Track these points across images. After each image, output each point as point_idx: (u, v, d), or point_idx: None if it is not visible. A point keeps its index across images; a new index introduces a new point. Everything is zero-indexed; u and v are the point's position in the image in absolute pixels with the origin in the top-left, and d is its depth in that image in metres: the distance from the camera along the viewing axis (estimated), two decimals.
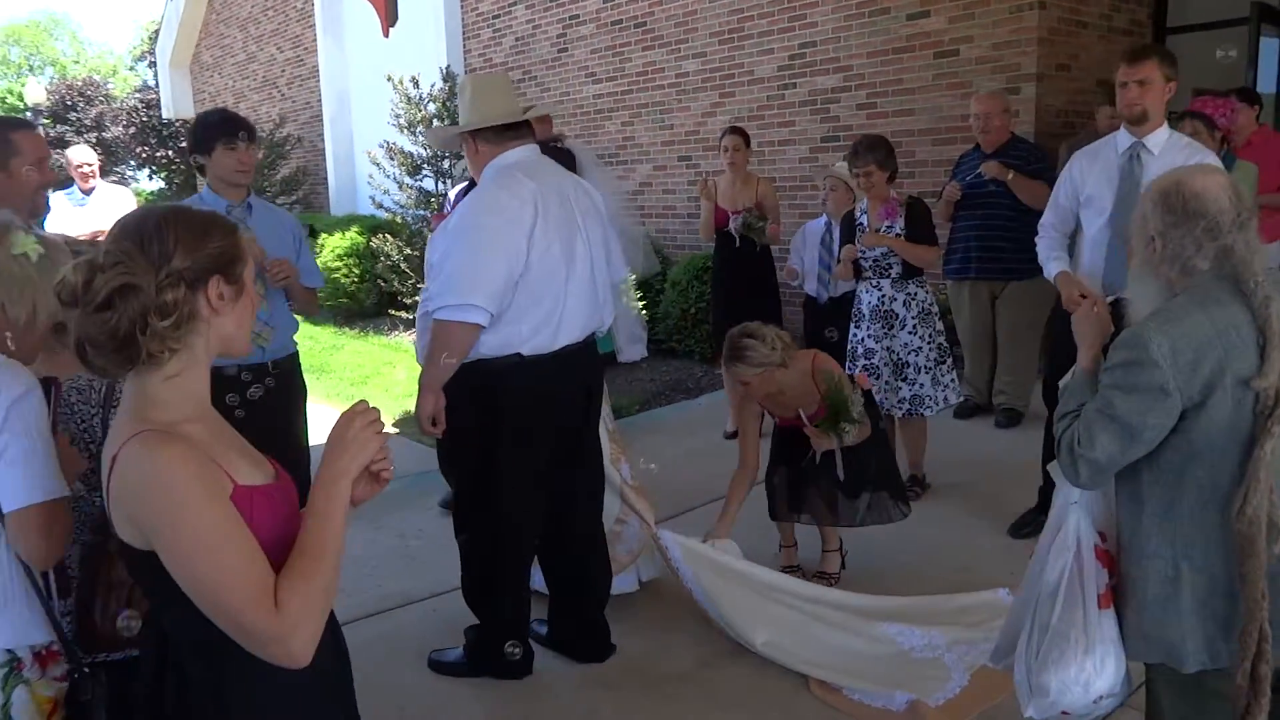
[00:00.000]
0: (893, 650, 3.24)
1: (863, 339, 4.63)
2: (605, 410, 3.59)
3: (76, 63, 40.47)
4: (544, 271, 2.94)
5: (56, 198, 6.78)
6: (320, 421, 2.83)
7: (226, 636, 1.34)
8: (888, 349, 4.56)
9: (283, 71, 14.81)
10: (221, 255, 1.42)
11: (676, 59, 8.50)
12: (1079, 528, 2.05)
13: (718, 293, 5.84)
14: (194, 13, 16.76)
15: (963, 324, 5.69)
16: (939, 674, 3.08)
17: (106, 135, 25.28)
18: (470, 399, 3.00)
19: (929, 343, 4.53)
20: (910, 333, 4.52)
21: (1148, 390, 1.81)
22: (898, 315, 4.54)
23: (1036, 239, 3.92)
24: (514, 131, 3.07)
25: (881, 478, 3.78)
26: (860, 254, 4.55)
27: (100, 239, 5.84)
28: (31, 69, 42.28)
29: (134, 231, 1.38)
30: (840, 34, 7.20)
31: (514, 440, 3.03)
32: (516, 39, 10.20)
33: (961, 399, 4.81)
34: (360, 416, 1.44)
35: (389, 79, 10.25)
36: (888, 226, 4.51)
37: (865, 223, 4.61)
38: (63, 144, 25.10)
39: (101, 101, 23.25)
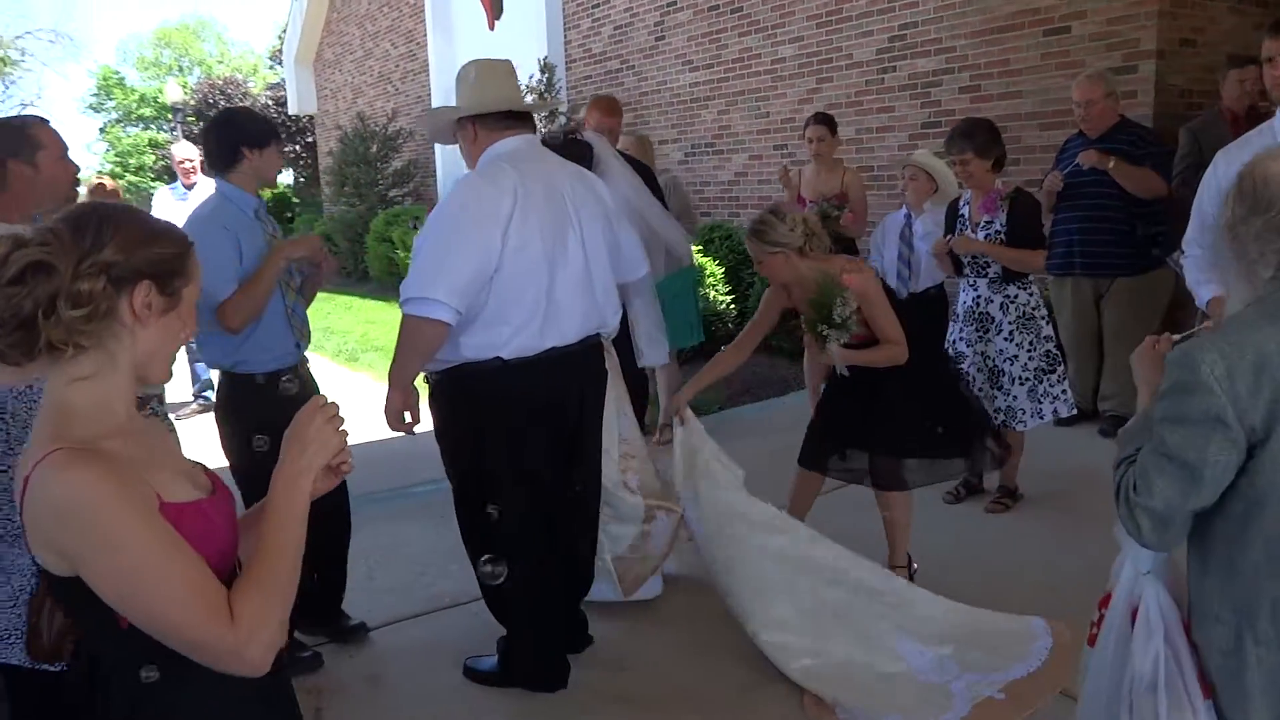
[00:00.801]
0: (900, 669, 3.02)
1: (955, 340, 4.32)
2: (620, 421, 3.43)
3: (220, 63, 42.66)
4: (521, 269, 2.79)
5: (160, 192, 7.07)
6: None
7: (167, 656, 1.29)
8: (981, 354, 4.24)
9: (396, 66, 15.15)
10: (162, 263, 1.35)
11: (773, 44, 8.22)
12: (1160, 604, 1.71)
13: None
14: (317, 11, 17.33)
15: (1065, 323, 5.26)
16: (940, 701, 2.87)
17: None
18: (456, 404, 2.93)
19: (1029, 351, 4.15)
20: (1006, 339, 4.16)
21: (1201, 420, 1.53)
22: (993, 319, 4.19)
23: (1182, 258, 3.23)
24: (513, 120, 2.96)
25: (937, 431, 3.43)
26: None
27: None
28: (181, 69, 44.81)
29: (73, 218, 1.33)
30: (942, 14, 6.79)
31: (502, 445, 2.92)
32: (615, 28, 10.09)
33: (1073, 412, 4.39)
34: (321, 412, 1.37)
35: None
36: (986, 222, 4.14)
37: (967, 215, 4.26)
38: (196, 139, 26.61)
39: (240, 99, 24.46)
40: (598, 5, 10.31)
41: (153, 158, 35.13)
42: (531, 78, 9.93)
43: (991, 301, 4.19)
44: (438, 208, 2.89)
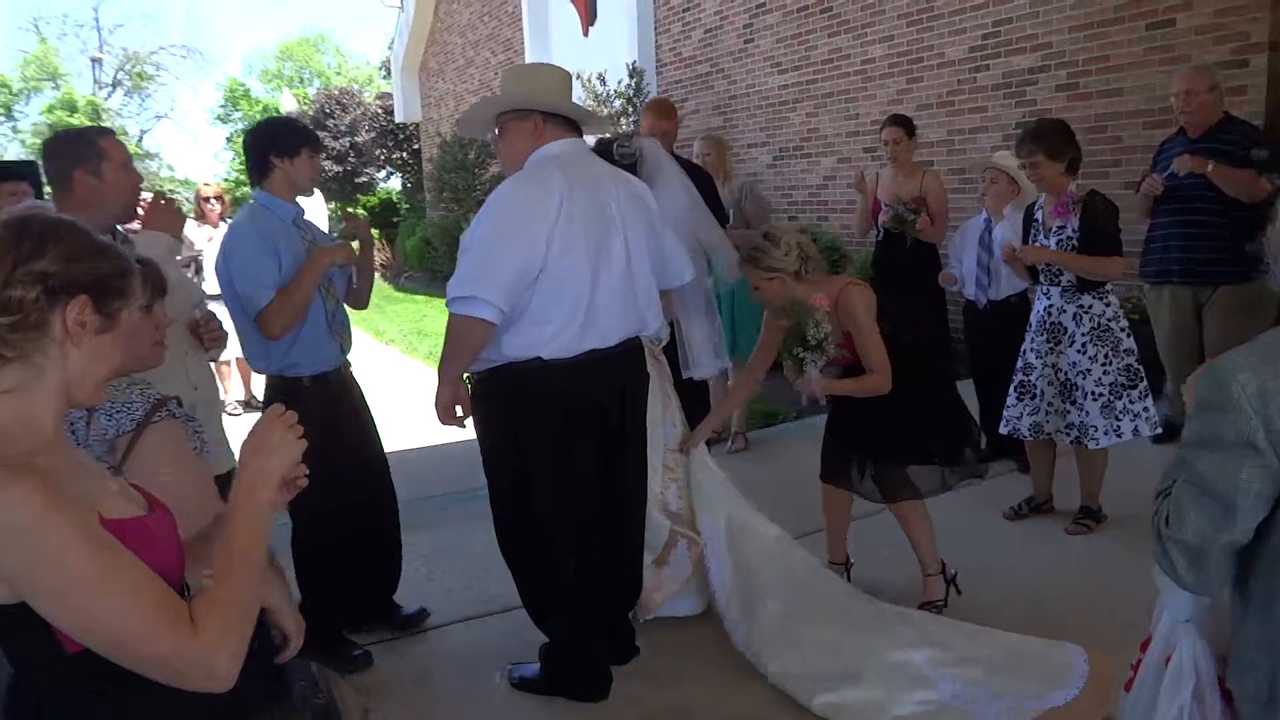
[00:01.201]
0: (925, 696, 2.87)
1: (1025, 351, 4.12)
2: (666, 430, 3.38)
3: (338, 74, 44.25)
4: (566, 270, 2.79)
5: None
6: None
7: (115, 683, 1.26)
8: (1053, 367, 4.02)
9: (496, 74, 15.40)
10: (101, 279, 1.31)
11: (862, 44, 8.03)
12: (1195, 655, 1.60)
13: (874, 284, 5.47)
14: (422, 22, 17.80)
15: (1161, 334, 4.95)
16: None
17: (358, 140, 27.68)
18: (496, 403, 2.93)
19: (1105, 365, 3.90)
20: (1080, 351, 3.93)
21: (1232, 444, 1.39)
22: (1065, 330, 3.97)
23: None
24: (568, 125, 2.98)
25: (931, 445, 3.37)
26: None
27: None
28: (301, 81, 46.70)
29: (15, 223, 1.29)
30: (1039, 8, 6.50)
31: (543, 446, 2.91)
32: (705, 31, 10.03)
33: (1157, 430, 4.10)
34: (280, 420, 1.36)
35: (577, 77, 10.40)
36: (1059, 228, 3.93)
37: (1041, 220, 4.05)
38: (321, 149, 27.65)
39: (354, 109, 25.31)
40: (688, 9, 10.27)
41: None
42: (620, 82, 9.95)
43: (1064, 311, 3.98)
44: (484, 208, 2.89)
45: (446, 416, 2.99)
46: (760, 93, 9.33)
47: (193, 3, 68.55)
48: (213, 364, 7.56)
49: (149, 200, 2.91)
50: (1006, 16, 6.75)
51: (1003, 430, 4.19)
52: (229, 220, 7.14)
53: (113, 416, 1.86)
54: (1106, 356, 3.90)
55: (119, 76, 44.06)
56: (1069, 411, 3.96)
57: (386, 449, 3.62)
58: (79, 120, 39.00)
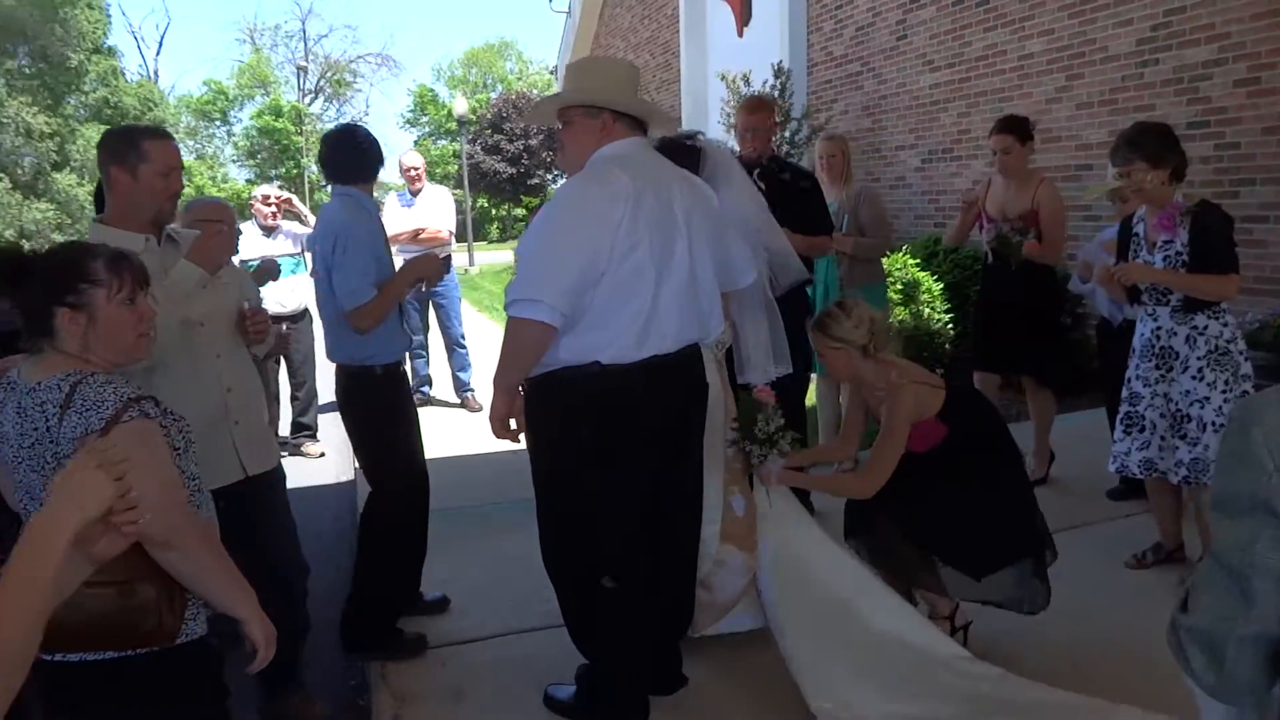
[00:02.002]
0: None
1: (1130, 379, 3.65)
2: (723, 434, 3.16)
3: (519, 79, 45.84)
4: (629, 273, 2.65)
5: (389, 198, 7.54)
6: None
7: None
8: (1164, 396, 3.54)
9: (653, 77, 15.42)
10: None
11: (1020, 39, 7.46)
12: None
13: (974, 316, 4.98)
14: (587, 26, 18.06)
15: None
16: None
17: (531, 142, 28.54)
18: (552, 410, 2.78)
19: (1224, 392, 3.40)
20: (1194, 378, 3.45)
21: (1247, 506, 1.09)
22: (1177, 355, 3.49)
23: None
24: (635, 124, 2.85)
25: (951, 544, 3.06)
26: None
27: (422, 235, 6.25)
28: (484, 86, 48.64)
29: None
30: None
31: (597, 456, 2.75)
32: (857, 29, 9.63)
33: None
34: (88, 457, 1.26)
35: (721, 77, 10.21)
36: (1165, 242, 3.47)
37: (1142, 234, 3.59)
38: (494, 150, 28.74)
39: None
40: (840, 6, 9.89)
41: (455, 167, 38.23)
42: (765, 83, 9.68)
43: (1175, 334, 3.49)
44: (545, 210, 2.80)
45: (501, 429, 2.85)
46: (911, 92, 8.86)
47: (390, 14, 72.61)
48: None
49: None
50: (1179, 5, 6.07)
51: (1111, 468, 3.71)
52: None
53: (83, 414, 1.83)
54: (1226, 383, 3.39)
55: (320, 84, 47.16)
56: (1178, 447, 3.47)
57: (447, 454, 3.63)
58: (284, 124, 42.09)
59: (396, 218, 7.18)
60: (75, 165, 31.84)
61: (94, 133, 33.60)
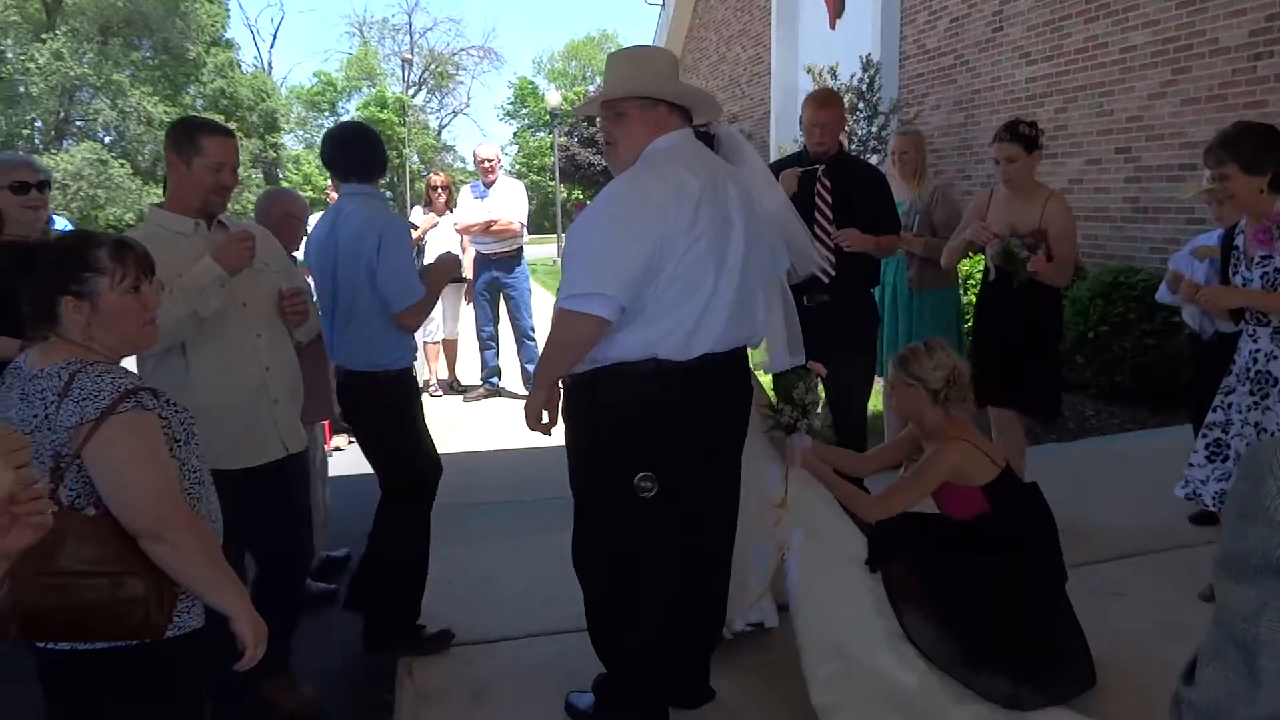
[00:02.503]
0: None
1: (1222, 404, 3.34)
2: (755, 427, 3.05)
3: None
4: (688, 267, 2.56)
5: (463, 191, 7.58)
6: None
7: None
8: (1255, 426, 3.20)
9: (745, 70, 15.21)
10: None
11: (1123, 30, 7.05)
12: None
13: (972, 341, 4.64)
14: (681, 20, 17.93)
15: None
16: None
17: None
18: (598, 408, 2.67)
19: None
20: None
21: (1258, 570, 0.93)
22: (1275, 380, 3.17)
23: None
24: (683, 113, 2.76)
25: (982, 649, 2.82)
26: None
27: (496, 226, 6.27)
28: (583, 79, 48.96)
29: None
30: None
31: (643, 454, 2.64)
32: (951, 20, 9.27)
33: None
34: None
35: (808, 70, 9.97)
36: (1263, 258, 3.15)
37: (1242, 247, 3.28)
38: (590, 143, 28.88)
39: None
40: None
41: (551, 159, 38.65)
42: (854, 77, 9.41)
43: (1275, 358, 3.16)
44: (598, 205, 2.69)
45: (536, 422, 2.78)
46: (1006, 86, 8.48)
47: (492, 8, 73.67)
48: (420, 345, 7.90)
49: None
50: None
51: (1180, 492, 3.42)
52: (452, 209, 7.51)
53: (80, 403, 1.83)
54: None
55: (424, 76, 48.17)
56: None
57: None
58: (388, 115, 43.13)
59: (469, 209, 7.22)
60: None
61: None
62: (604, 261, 2.53)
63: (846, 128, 9.46)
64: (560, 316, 2.58)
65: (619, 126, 2.74)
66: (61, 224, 4.78)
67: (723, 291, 2.63)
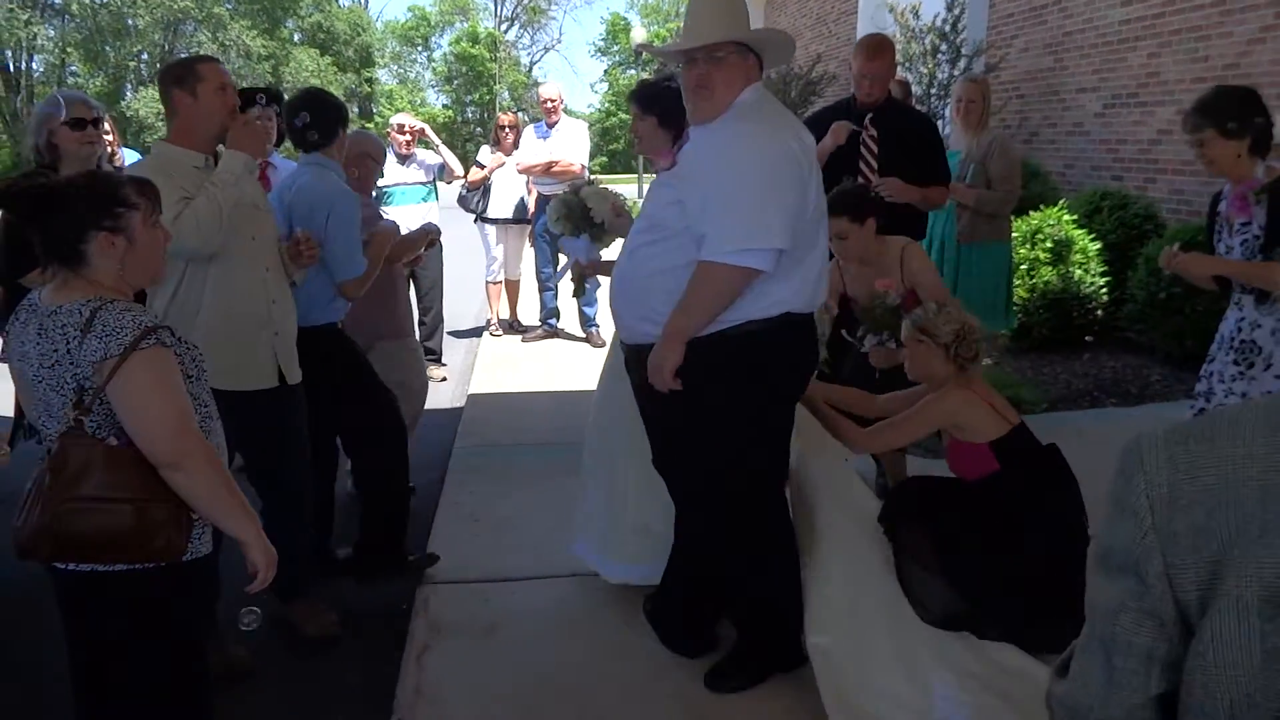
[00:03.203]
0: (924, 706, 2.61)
1: (1208, 374, 3.29)
2: None
3: None
4: (813, 218, 2.62)
5: (525, 131, 7.57)
6: None
7: None
8: (1241, 395, 3.12)
9: (832, 8, 14.73)
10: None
11: None
12: None
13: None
14: None
15: None
16: None
17: None
18: (738, 364, 2.59)
19: None
20: (1278, 377, 3.03)
21: (1120, 566, 0.91)
22: (1260, 349, 3.08)
23: None
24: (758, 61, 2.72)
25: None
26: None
27: (557, 168, 6.25)
28: (678, 15, 48.05)
29: None
30: None
31: (772, 409, 2.70)
32: None
33: None
34: None
35: (890, 9, 9.60)
36: (1243, 225, 3.06)
37: (1224, 213, 3.19)
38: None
39: None
40: None
41: None
42: (937, 17, 9.02)
43: (1259, 326, 3.08)
44: (731, 155, 2.52)
45: (669, 378, 2.56)
46: (1098, 29, 8.02)
47: None
48: (487, 285, 7.95)
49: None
50: None
51: None
52: (517, 148, 7.51)
53: (104, 339, 1.93)
54: None
55: (517, 11, 47.98)
56: None
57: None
58: (479, 51, 43.20)
59: (531, 149, 7.22)
60: (287, 87, 33.93)
61: (306, 57, 35.73)
62: (764, 214, 2.46)
63: (926, 70, 9.12)
64: (713, 271, 2.47)
65: (719, 71, 2.56)
66: (133, 158, 4.93)
67: (822, 243, 2.71)
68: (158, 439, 1.92)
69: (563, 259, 4.25)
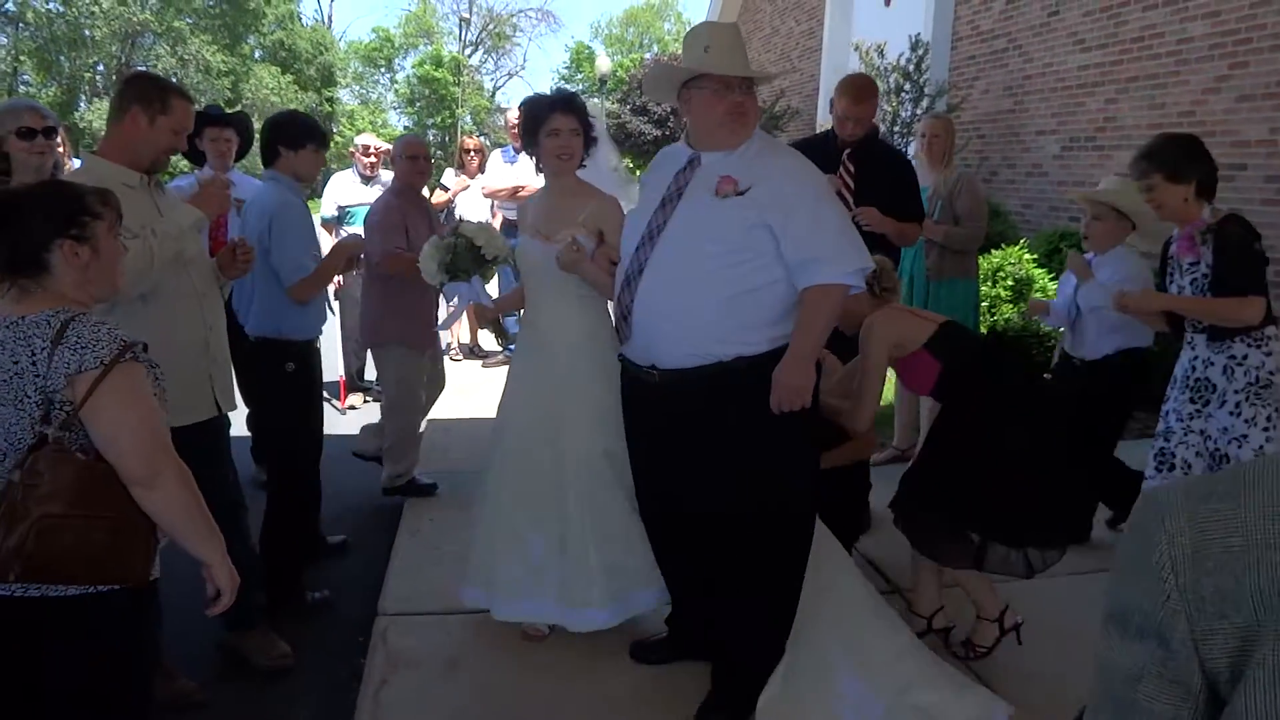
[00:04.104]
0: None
1: (1166, 413, 3.37)
2: None
3: (676, 40, 45.42)
4: None
5: (493, 155, 7.53)
6: None
7: None
8: (1199, 433, 3.22)
9: (796, 44, 14.94)
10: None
11: (1181, 20, 6.77)
12: None
13: None
14: None
15: None
16: None
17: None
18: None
19: (1265, 430, 3.07)
20: (1233, 413, 3.13)
21: (1140, 630, 0.87)
22: (1214, 387, 3.18)
23: None
24: None
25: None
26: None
27: (523, 192, 6.24)
28: (640, 46, 48.53)
29: None
30: None
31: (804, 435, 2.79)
32: (1008, 2, 8.98)
33: None
34: None
35: (855, 48, 9.76)
36: (1190, 265, 3.17)
37: (1174, 254, 3.31)
38: (641, 111, 28.69)
39: None
40: None
41: (611, 126, 38.37)
42: (901, 57, 9.17)
43: (1212, 364, 3.18)
44: (810, 176, 2.68)
45: (803, 399, 2.60)
46: (1057, 73, 8.21)
47: None
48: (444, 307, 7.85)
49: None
50: None
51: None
52: (482, 173, 7.46)
53: (78, 351, 1.84)
54: (1270, 419, 3.07)
55: (481, 36, 48.05)
56: None
57: None
58: (443, 74, 43.14)
59: (498, 174, 7.17)
60: (246, 104, 33.57)
61: (266, 74, 35.36)
62: (855, 235, 2.69)
63: (890, 108, 9.25)
64: (834, 292, 2.59)
65: (751, 101, 2.70)
66: None
67: None
68: (135, 456, 1.85)
69: (444, 308, 4.10)
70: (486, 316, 3.54)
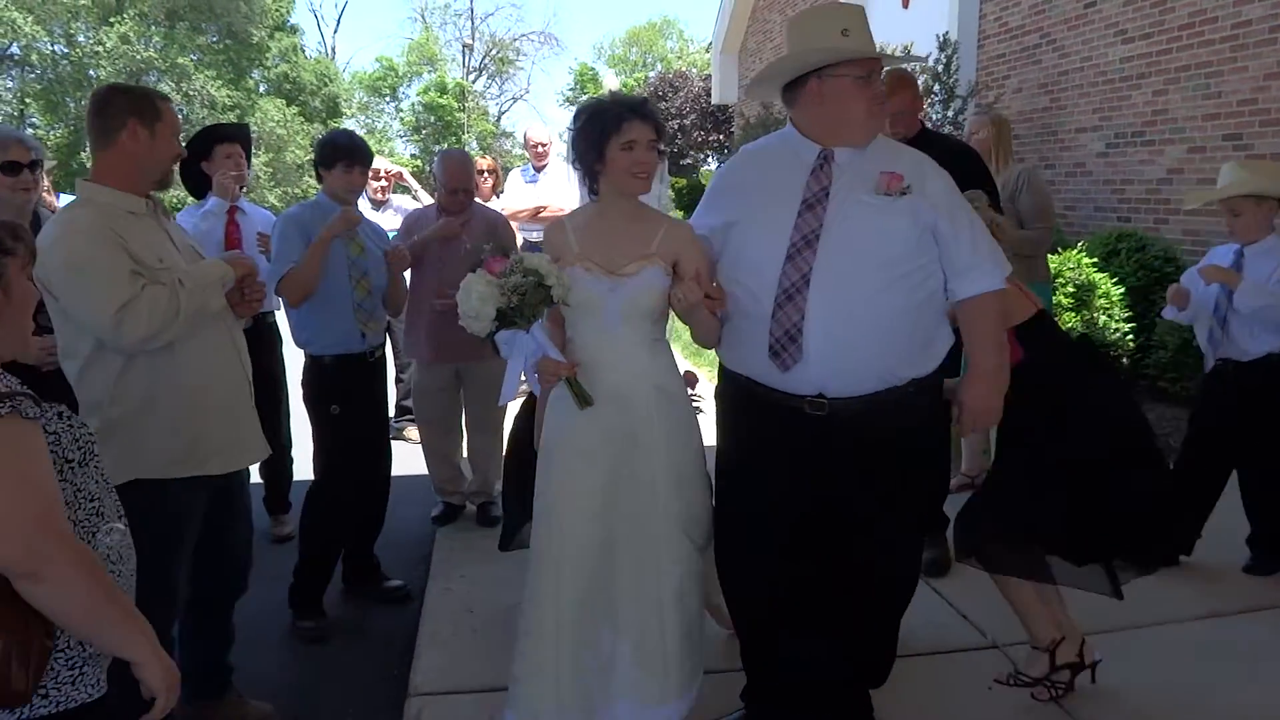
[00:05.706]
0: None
1: None
2: None
3: (679, 58, 45.29)
4: None
5: (512, 175, 7.17)
6: None
7: None
8: None
9: None
10: None
11: (1236, 4, 6.37)
12: None
13: None
14: (745, 3, 17.35)
15: None
16: None
17: (685, 121, 28.07)
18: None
19: None
20: None
21: None
22: None
23: None
24: None
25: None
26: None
27: (545, 213, 5.89)
28: (643, 65, 48.46)
29: None
30: None
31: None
32: None
33: None
34: None
35: (881, 50, 9.37)
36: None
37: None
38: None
39: (683, 90, 25.59)
40: None
41: None
42: (929, 57, 8.78)
43: None
44: (946, 175, 2.49)
45: (997, 419, 2.55)
46: (1097, 67, 7.81)
47: None
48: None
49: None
50: None
51: None
52: (499, 194, 7.12)
53: None
54: None
55: (484, 62, 48.12)
56: None
57: None
58: (448, 101, 43.13)
59: (518, 194, 6.82)
60: (252, 137, 33.66)
61: (272, 107, 35.35)
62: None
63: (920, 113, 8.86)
64: (999, 298, 2.48)
65: (839, 95, 2.47)
66: None
67: None
68: (3, 539, 1.42)
69: (511, 371, 2.60)
70: (561, 372, 2.47)
